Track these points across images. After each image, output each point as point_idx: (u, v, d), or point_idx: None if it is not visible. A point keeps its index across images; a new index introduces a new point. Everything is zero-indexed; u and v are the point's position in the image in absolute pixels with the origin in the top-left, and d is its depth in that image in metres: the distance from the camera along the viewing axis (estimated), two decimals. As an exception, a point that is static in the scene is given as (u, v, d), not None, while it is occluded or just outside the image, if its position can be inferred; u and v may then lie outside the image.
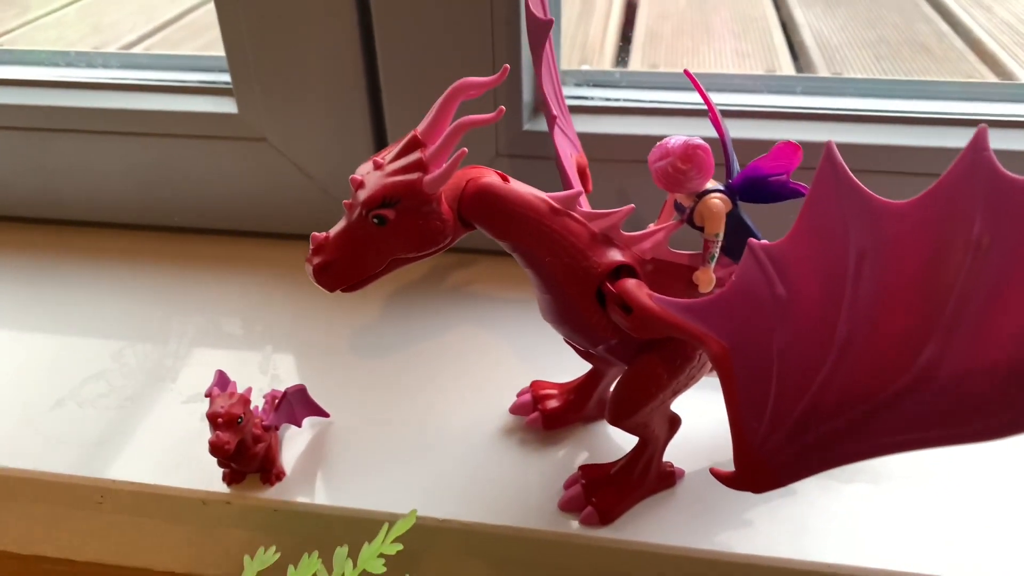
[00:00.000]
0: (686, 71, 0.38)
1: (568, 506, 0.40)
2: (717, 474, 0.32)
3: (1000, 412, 0.26)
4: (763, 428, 0.30)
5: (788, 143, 0.34)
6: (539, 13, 0.39)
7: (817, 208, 0.29)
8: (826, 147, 0.28)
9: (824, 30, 0.92)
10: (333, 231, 0.33)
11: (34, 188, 0.62)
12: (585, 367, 0.45)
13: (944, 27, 0.90)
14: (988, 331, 0.26)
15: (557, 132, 0.40)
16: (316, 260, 0.33)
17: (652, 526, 0.40)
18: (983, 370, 0.26)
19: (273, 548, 0.37)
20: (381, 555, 0.34)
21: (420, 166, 0.31)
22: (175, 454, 0.44)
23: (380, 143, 0.55)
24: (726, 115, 0.42)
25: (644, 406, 0.37)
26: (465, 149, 0.31)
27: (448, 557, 0.43)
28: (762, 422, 0.30)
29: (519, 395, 0.46)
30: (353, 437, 0.45)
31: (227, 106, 0.57)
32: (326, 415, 0.46)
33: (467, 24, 0.49)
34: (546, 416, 0.45)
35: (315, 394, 0.45)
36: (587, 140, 0.46)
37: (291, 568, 0.33)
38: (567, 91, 0.54)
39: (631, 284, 0.35)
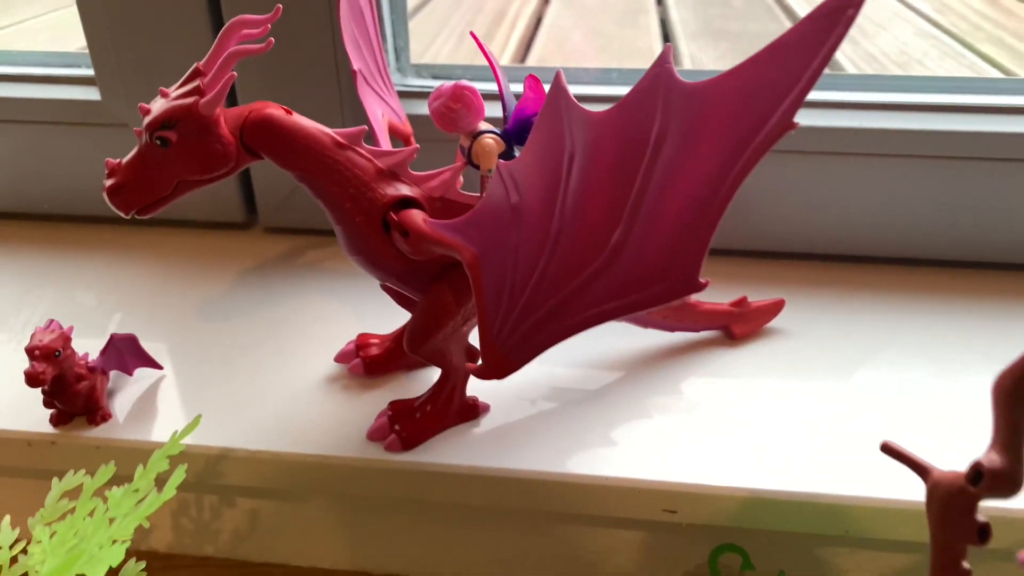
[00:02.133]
0: (471, 32, 0.43)
1: (375, 435, 0.43)
2: (469, 369, 0.35)
3: (663, 280, 0.30)
4: (500, 321, 0.34)
5: (530, 76, 0.38)
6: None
7: (544, 124, 0.33)
8: (556, 75, 0.32)
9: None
10: (125, 158, 0.36)
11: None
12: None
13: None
14: (659, 214, 0.30)
15: (366, 90, 0.44)
16: (108, 183, 0.36)
17: (450, 451, 0.43)
18: (654, 247, 0.30)
19: (83, 471, 0.39)
20: (168, 456, 0.36)
21: (197, 91, 0.35)
22: (4, 399, 0.46)
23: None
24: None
25: (437, 332, 0.41)
26: (235, 74, 0.34)
27: (264, 487, 0.45)
28: (499, 315, 0.34)
29: (345, 346, 0.49)
30: (185, 387, 0.48)
31: (91, 94, 0.60)
32: (158, 367, 0.48)
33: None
34: (367, 363, 0.48)
35: (155, 353, 0.47)
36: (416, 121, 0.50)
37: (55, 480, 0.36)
38: (416, 81, 0.59)
39: (410, 212, 0.38)
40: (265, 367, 0.49)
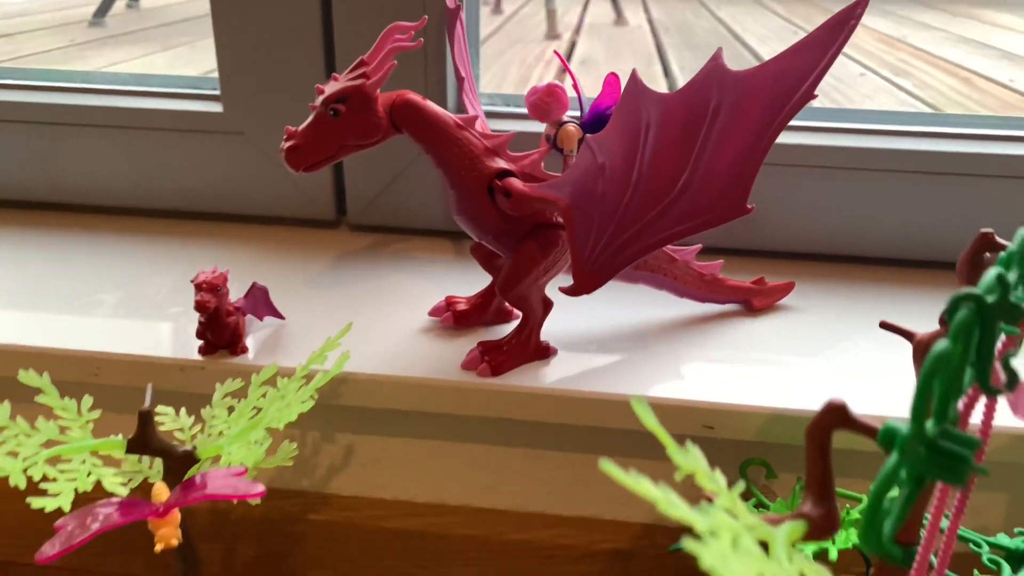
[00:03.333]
0: (555, 52, 0.55)
1: (468, 365, 0.53)
2: (563, 290, 0.46)
3: (719, 208, 0.41)
4: (589, 250, 0.45)
5: (611, 75, 0.50)
6: (450, 4, 0.56)
7: (625, 104, 0.45)
8: (632, 71, 0.44)
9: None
10: (301, 126, 0.48)
11: (43, 178, 0.75)
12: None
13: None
14: (716, 163, 0.42)
15: (465, 95, 0.56)
16: (287, 144, 0.47)
17: (529, 377, 0.53)
18: (712, 186, 0.41)
19: (239, 379, 0.49)
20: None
21: (363, 76, 0.47)
22: (163, 334, 0.56)
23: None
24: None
25: (525, 278, 0.51)
26: (395, 62, 0.46)
27: (380, 407, 0.55)
28: (588, 246, 0.45)
29: (436, 304, 0.60)
30: (304, 333, 0.58)
31: (214, 107, 0.72)
32: (282, 317, 0.59)
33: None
34: (456, 315, 0.58)
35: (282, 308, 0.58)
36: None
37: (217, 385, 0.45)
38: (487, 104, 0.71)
39: (511, 179, 0.50)
40: (370, 321, 0.60)
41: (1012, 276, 0.25)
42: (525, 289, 0.52)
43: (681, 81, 1.23)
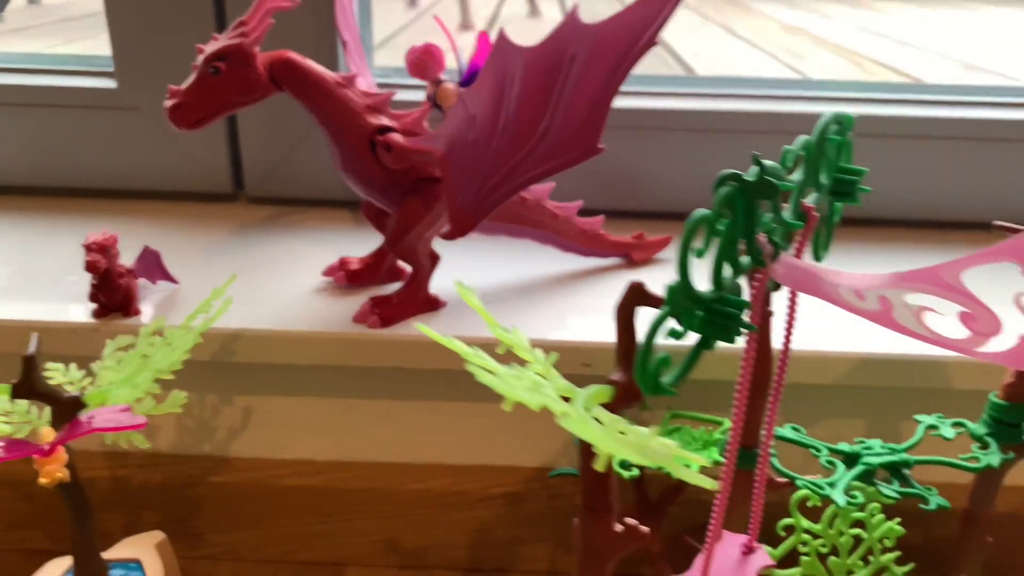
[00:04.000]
0: (435, 16, 0.57)
1: (359, 318, 0.56)
2: (443, 235, 0.48)
3: (575, 149, 0.44)
4: (463, 194, 0.47)
5: (482, 34, 0.53)
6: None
7: (492, 60, 0.47)
8: (500, 30, 0.47)
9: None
10: (184, 84, 0.49)
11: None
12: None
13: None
14: (571, 108, 0.45)
15: (350, 58, 0.58)
16: (171, 102, 0.49)
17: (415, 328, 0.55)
18: (569, 129, 0.45)
19: (130, 336, 0.50)
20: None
21: (243, 34, 0.48)
22: (56, 300, 0.57)
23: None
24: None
25: (410, 231, 0.54)
26: (273, 20, 0.48)
27: (274, 363, 0.56)
28: (462, 191, 0.47)
29: (330, 264, 0.62)
30: (198, 299, 0.59)
31: (108, 83, 0.72)
32: (175, 281, 0.60)
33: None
34: (349, 274, 0.60)
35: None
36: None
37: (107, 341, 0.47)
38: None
39: (392, 134, 0.52)
40: (264, 282, 0.61)
41: (798, 175, 0.28)
42: (412, 242, 0.54)
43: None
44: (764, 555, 0.38)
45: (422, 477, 0.63)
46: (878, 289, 0.26)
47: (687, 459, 0.25)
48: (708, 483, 0.26)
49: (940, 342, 0.28)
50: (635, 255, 0.65)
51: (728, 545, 0.39)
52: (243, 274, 0.62)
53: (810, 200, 0.33)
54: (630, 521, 0.31)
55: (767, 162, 0.26)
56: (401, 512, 0.63)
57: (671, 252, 0.66)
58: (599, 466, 0.25)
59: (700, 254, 0.25)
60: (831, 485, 0.44)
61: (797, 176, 0.30)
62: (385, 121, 0.53)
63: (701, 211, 0.25)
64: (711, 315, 0.27)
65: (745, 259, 0.28)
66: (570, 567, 0.64)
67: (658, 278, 0.65)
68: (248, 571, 0.64)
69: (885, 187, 0.70)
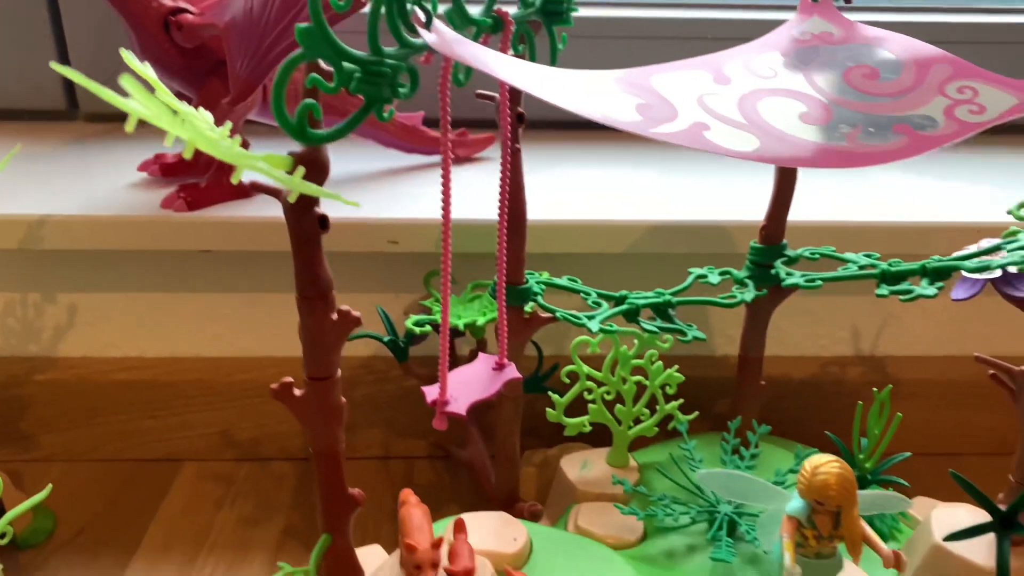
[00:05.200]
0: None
1: (166, 203, 0.57)
2: (225, 102, 0.50)
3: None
4: (243, 61, 0.49)
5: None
6: None
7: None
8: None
9: None
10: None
11: None
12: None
13: None
14: None
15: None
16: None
17: (226, 211, 0.57)
18: None
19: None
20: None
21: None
22: None
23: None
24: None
25: (211, 112, 0.55)
26: None
27: (84, 248, 0.57)
28: (243, 57, 0.49)
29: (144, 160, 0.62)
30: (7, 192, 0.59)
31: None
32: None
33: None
34: (162, 166, 0.61)
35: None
36: None
37: None
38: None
39: (185, 14, 0.53)
40: (78, 179, 0.61)
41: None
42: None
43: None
44: (513, 370, 0.41)
45: (248, 368, 0.64)
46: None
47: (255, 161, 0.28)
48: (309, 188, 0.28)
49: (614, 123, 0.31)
50: (458, 151, 0.67)
51: (482, 362, 0.42)
52: (59, 176, 0.63)
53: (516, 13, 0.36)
54: (343, 307, 0.34)
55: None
56: (232, 403, 0.64)
57: (493, 151, 0.69)
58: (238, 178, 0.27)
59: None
60: (590, 319, 0.47)
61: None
62: (181, 4, 0.54)
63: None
64: (366, 74, 0.29)
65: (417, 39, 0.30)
66: (403, 451, 0.67)
67: (480, 177, 0.68)
68: (83, 472, 0.64)
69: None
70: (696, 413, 0.55)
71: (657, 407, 0.54)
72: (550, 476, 0.57)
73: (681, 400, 0.54)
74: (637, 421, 0.54)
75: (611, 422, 0.54)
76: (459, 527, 0.40)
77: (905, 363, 0.66)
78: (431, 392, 0.39)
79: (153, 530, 0.59)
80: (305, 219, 0.33)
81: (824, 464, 0.37)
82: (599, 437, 0.55)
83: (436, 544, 0.38)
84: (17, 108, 0.74)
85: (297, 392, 0.37)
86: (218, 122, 0.51)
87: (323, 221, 0.33)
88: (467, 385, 0.40)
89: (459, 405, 0.38)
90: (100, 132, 0.73)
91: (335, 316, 0.34)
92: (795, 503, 0.38)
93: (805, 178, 0.52)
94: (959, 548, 0.42)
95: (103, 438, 0.65)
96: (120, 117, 0.26)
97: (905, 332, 0.67)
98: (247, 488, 0.64)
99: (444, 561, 0.39)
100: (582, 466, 0.55)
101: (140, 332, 0.64)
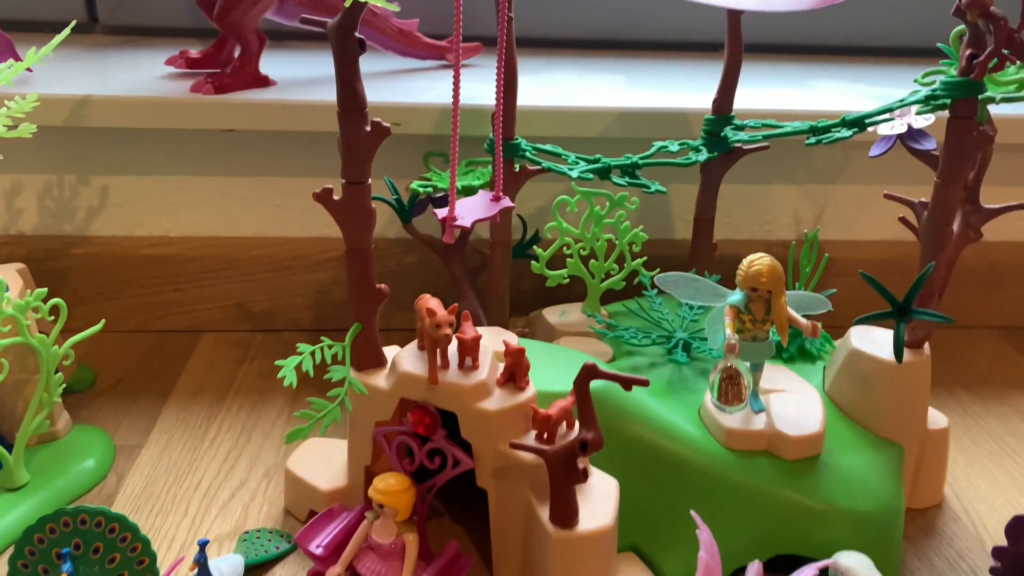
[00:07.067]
0: None
1: (195, 88, 0.64)
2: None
3: None
4: None
5: None
6: None
7: None
8: None
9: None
10: None
11: None
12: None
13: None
14: None
15: None
16: None
17: (250, 95, 0.64)
18: None
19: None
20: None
21: None
22: None
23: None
24: None
25: (236, 7, 0.63)
26: None
27: (120, 127, 0.64)
28: None
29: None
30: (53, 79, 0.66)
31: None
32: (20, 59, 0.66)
33: None
34: (188, 61, 0.68)
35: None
36: None
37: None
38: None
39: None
40: (111, 71, 0.69)
41: None
42: (238, 18, 0.63)
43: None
44: (507, 201, 0.49)
45: (265, 246, 0.72)
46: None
47: None
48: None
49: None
50: (449, 57, 0.75)
51: (482, 195, 0.50)
52: (93, 73, 0.70)
53: None
54: (375, 119, 0.42)
55: None
56: (246, 277, 0.72)
57: (482, 59, 0.77)
58: None
59: None
60: (571, 170, 0.55)
61: None
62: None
63: None
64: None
65: None
66: (403, 323, 0.75)
67: (468, 79, 0.76)
68: (112, 341, 0.72)
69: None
70: (658, 270, 0.63)
71: (625, 264, 0.63)
72: (533, 334, 0.66)
73: (645, 258, 0.63)
74: (608, 276, 0.63)
75: (585, 275, 0.63)
76: (465, 316, 0.48)
77: (840, 246, 0.76)
78: (441, 212, 0.47)
79: (183, 379, 0.67)
80: (347, 42, 0.41)
81: (758, 258, 0.46)
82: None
83: (451, 311, 0.45)
84: (38, 19, 0.81)
85: (335, 197, 0.45)
86: (245, 16, 0.57)
87: (361, 43, 0.41)
88: (471, 209, 0.48)
89: (465, 221, 0.47)
90: (120, 42, 0.80)
91: (368, 128, 0.42)
92: (735, 295, 0.47)
93: (750, 76, 0.62)
94: (870, 349, 0.52)
95: (131, 309, 0.72)
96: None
97: (840, 218, 0.77)
98: (262, 352, 0.71)
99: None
100: (560, 314, 0.63)
101: (165, 212, 0.71)
